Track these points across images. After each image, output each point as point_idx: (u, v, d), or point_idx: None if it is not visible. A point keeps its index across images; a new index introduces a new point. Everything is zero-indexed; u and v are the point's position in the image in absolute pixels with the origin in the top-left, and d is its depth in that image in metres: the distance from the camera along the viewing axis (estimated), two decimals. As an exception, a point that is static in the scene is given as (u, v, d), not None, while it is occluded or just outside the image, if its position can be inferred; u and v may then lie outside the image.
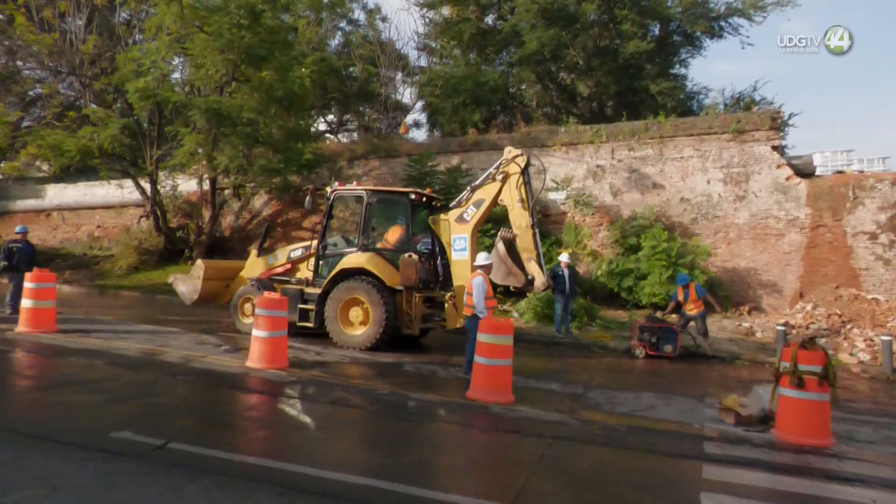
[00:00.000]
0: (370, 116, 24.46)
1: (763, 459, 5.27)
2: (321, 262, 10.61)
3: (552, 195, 15.76)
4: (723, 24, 19.25)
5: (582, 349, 11.47)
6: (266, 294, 8.00)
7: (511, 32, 20.12)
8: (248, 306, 10.82)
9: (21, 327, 9.20)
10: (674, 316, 11.95)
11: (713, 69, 52.17)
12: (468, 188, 10.62)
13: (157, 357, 8.07)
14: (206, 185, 18.27)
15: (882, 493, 4.59)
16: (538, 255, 10.11)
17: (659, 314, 12.29)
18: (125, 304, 15.13)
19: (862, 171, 16.39)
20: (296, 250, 11.41)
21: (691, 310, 11.09)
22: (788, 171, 14.27)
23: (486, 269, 8.43)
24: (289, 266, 11.31)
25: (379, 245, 10.53)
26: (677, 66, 21.08)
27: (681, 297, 11.21)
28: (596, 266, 14.83)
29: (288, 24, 17.80)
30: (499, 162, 10.38)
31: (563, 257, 12.32)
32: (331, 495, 3.96)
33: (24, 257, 10.99)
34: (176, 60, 17.59)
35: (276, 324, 7.77)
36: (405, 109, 24.08)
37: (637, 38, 17.97)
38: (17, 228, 11.70)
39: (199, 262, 12.11)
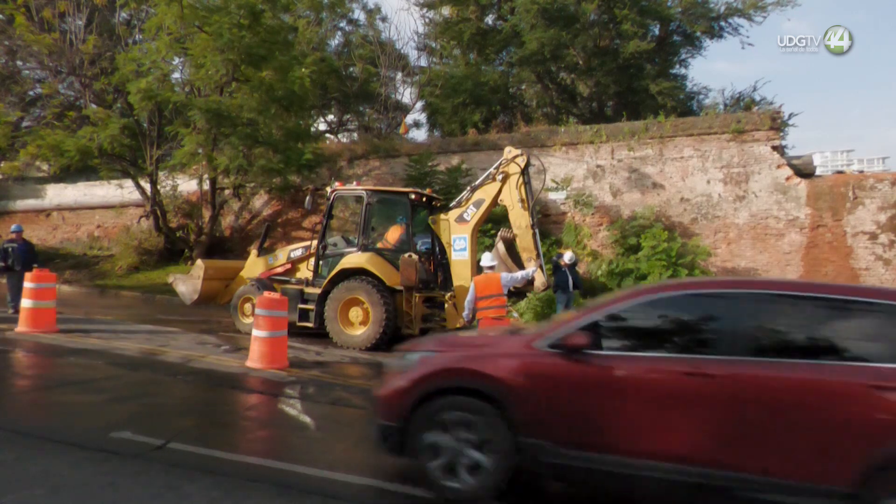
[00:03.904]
0: (370, 116, 24.46)
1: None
2: (321, 262, 10.62)
3: (552, 195, 15.75)
4: (723, 24, 19.24)
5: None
6: (266, 294, 8.01)
7: (511, 32, 20.11)
8: (248, 306, 10.82)
9: (21, 327, 9.19)
10: None
11: (713, 69, 52.30)
12: (468, 188, 10.63)
13: (157, 357, 8.07)
14: (206, 185, 18.26)
15: (882, 493, 4.58)
16: (538, 255, 10.12)
17: None
18: (125, 304, 15.13)
19: (862, 171, 16.41)
20: (296, 250, 11.42)
21: None
22: (788, 171, 14.27)
23: (492, 269, 8.81)
24: (289, 266, 11.31)
25: (379, 245, 10.53)
26: (677, 66, 21.09)
27: None
28: (596, 266, 14.82)
29: (288, 24, 17.80)
30: (499, 162, 10.39)
31: (565, 257, 12.24)
32: (331, 495, 3.96)
33: (21, 257, 10.85)
34: (176, 60, 17.58)
35: (276, 324, 7.77)
36: (405, 109, 24.08)
37: (637, 38, 17.96)
38: (12, 228, 11.53)
39: (199, 262, 12.12)
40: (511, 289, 9.57)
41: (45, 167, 22.98)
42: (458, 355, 4.21)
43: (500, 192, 10.21)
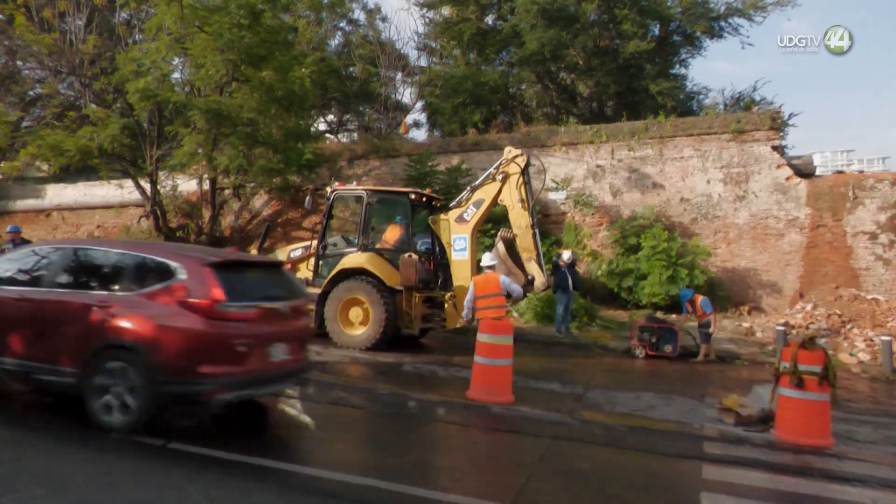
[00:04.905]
0: (370, 116, 24.46)
1: (763, 459, 5.27)
2: (321, 262, 10.61)
3: (552, 195, 15.75)
4: (723, 24, 19.25)
5: (582, 349, 11.47)
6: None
7: (511, 32, 20.11)
8: (247, 306, 10.80)
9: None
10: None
11: (713, 69, 52.40)
12: (468, 188, 10.62)
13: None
14: (206, 185, 18.25)
15: (882, 493, 4.59)
16: (538, 255, 10.12)
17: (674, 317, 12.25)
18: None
19: (862, 171, 16.41)
20: (296, 250, 11.41)
21: (700, 319, 10.93)
22: (788, 171, 14.27)
23: (492, 269, 8.79)
24: (289, 266, 11.30)
25: (379, 245, 10.53)
26: (677, 66, 21.10)
27: (689, 310, 11.12)
28: (596, 266, 14.82)
29: (288, 24, 17.78)
30: (499, 162, 10.39)
31: (564, 256, 12.23)
32: (331, 495, 3.96)
33: None
34: (176, 60, 17.56)
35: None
36: (405, 109, 24.07)
37: (637, 38, 17.96)
38: (9, 228, 11.25)
39: (199, 262, 12.06)
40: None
41: (45, 167, 22.95)
42: None
43: (500, 192, 10.20)
